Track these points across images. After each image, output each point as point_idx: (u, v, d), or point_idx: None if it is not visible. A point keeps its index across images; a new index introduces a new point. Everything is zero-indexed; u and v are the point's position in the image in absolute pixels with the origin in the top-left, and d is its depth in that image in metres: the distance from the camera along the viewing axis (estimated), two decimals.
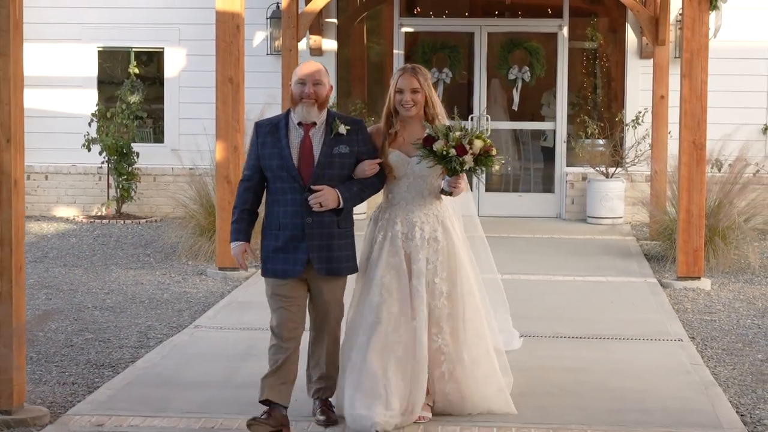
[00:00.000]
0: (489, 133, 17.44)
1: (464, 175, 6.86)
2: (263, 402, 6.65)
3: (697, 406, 7.39)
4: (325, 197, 6.57)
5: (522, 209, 17.65)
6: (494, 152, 6.78)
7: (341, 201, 6.64)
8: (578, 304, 10.86)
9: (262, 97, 15.32)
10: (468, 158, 6.64)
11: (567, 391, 7.72)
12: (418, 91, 6.87)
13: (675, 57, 15.97)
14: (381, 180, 6.91)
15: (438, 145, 6.64)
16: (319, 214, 6.60)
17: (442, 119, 6.93)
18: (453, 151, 6.61)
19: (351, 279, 6.92)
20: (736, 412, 7.29)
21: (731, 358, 8.81)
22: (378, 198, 7.09)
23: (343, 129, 6.67)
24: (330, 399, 6.92)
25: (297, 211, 6.62)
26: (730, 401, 7.55)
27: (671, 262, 12.76)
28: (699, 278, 11.80)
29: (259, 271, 7.71)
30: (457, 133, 6.64)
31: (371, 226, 7.07)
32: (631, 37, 17.50)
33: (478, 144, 6.65)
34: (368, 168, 6.77)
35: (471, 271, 7.12)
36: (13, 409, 6.87)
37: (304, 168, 6.62)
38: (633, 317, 10.23)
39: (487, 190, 17.70)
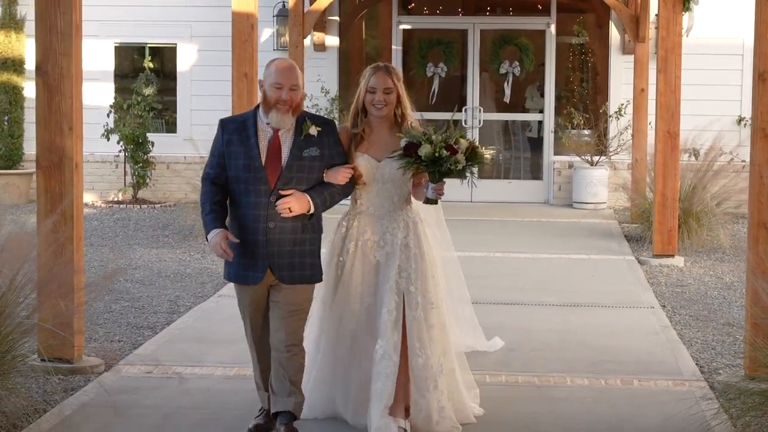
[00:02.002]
0: (482, 124, 18.64)
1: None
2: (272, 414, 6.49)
3: (663, 359, 8.53)
4: (294, 202, 6.17)
5: (512, 195, 18.79)
6: (480, 149, 6.50)
7: (311, 206, 6.24)
8: (562, 278, 11.99)
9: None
10: (460, 157, 6.33)
11: (551, 348, 8.86)
12: (391, 91, 6.53)
13: (654, 53, 17.02)
14: (351, 184, 6.51)
15: (425, 150, 6.29)
16: (282, 219, 6.19)
17: (411, 118, 6.63)
18: (445, 152, 6.29)
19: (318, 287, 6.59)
20: (696, 364, 8.41)
21: (696, 323, 9.93)
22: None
23: (314, 130, 6.27)
24: (296, 417, 6.40)
25: (259, 215, 6.21)
26: (692, 356, 8.67)
27: (649, 242, 13.87)
28: (673, 256, 12.94)
29: None
30: (441, 135, 6.33)
31: (340, 233, 6.69)
32: (614, 34, 18.65)
33: (463, 143, 6.37)
34: (341, 176, 6.36)
35: (440, 278, 6.83)
36: (74, 359, 7.95)
37: (271, 170, 6.21)
38: (611, 289, 11.37)
39: (479, 177, 18.80)
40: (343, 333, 6.62)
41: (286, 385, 6.30)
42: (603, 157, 18.06)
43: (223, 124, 6.35)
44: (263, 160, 6.21)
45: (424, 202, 6.57)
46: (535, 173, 19.17)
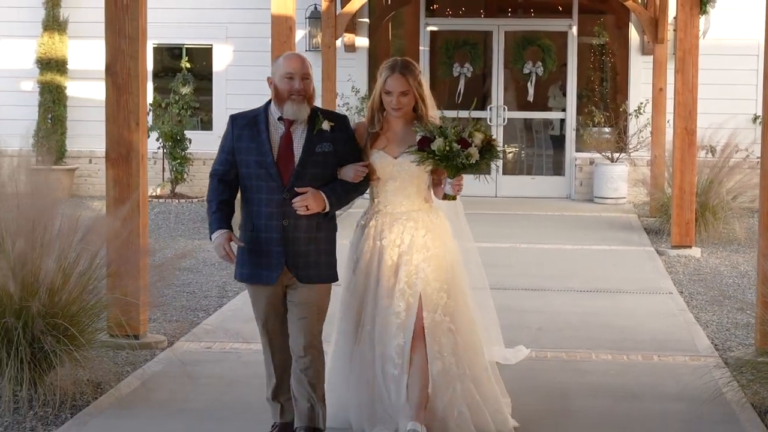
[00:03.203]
0: (506, 122, 19.35)
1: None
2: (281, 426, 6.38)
3: (680, 338, 9.23)
4: (311, 200, 5.98)
5: (535, 190, 19.50)
6: (496, 143, 6.34)
7: (327, 205, 6.06)
8: (586, 267, 12.70)
9: None
10: (473, 150, 6.15)
11: (577, 327, 9.57)
12: (407, 94, 6.30)
13: (672, 54, 17.68)
14: (366, 182, 6.33)
15: (438, 144, 6.13)
16: (297, 216, 6.00)
17: (433, 114, 6.44)
18: (456, 146, 6.13)
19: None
20: (711, 342, 9.11)
21: (712, 307, 10.61)
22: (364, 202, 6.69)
23: (326, 125, 6.05)
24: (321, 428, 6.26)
25: (273, 212, 6.02)
26: (707, 336, 9.36)
27: (667, 234, 14.54)
28: (690, 247, 13.61)
29: None
30: (455, 129, 6.19)
31: (358, 233, 6.52)
32: (633, 36, 19.34)
33: (478, 137, 6.21)
34: (354, 174, 6.19)
35: (464, 280, 6.63)
36: (140, 335, 8.68)
37: (284, 166, 6.02)
38: (632, 276, 12.07)
39: (503, 173, 19.53)
40: (360, 336, 6.40)
41: (306, 394, 6.13)
42: (623, 154, 18.76)
43: (234, 119, 6.17)
44: (275, 156, 6.02)
45: (442, 199, 6.42)
46: (558, 169, 19.89)
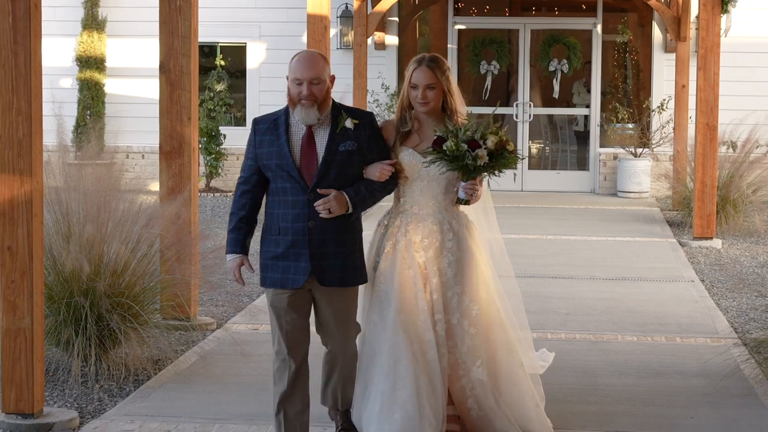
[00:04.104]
0: (531, 118, 19.85)
1: (482, 182, 6.27)
2: None
3: (701, 322, 9.72)
4: (334, 203, 5.82)
5: (560, 185, 19.99)
6: (511, 147, 6.11)
7: (350, 206, 5.89)
8: (610, 257, 13.18)
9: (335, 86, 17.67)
10: (482, 152, 5.97)
11: (603, 312, 10.07)
12: (434, 87, 6.17)
13: (694, 51, 18.15)
14: (394, 181, 6.17)
15: (448, 144, 5.99)
16: (323, 218, 5.84)
17: (461, 111, 6.30)
18: (464, 146, 5.97)
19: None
20: (731, 326, 9.60)
21: (732, 294, 11.09)
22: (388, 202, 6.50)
23: (350, 123, 5.91)
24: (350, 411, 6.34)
25: (298, 214, 5.85)
26: (727, 320, 9.84)
27: (689, 226, 15.02)
28: (712, 239, 14.08)
29: None
30: (468, 131, 6.03)
31: (380, 233, 6.38)
32: (657, 34, 19.81)
33: (492, 139, 6.02)
34: (379, 173, 6.02)
35: (491, 282, 6.45)
36: (191, 318, 9.21)
37: (306, 167, 5.87)
38: (655, 266, 12.55)
39: (529, 168, 20.04)
40: (384, 345, 6.19)
41: (334, 382, 6.18)
42: (646, 149, 19.24)
43: (255, 124, 6.05)
44: (296, 158, 5.86)
45: (455, 203, 6.26)
46: (582, 164, 20.38)
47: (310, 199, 5.84)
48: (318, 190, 5.85)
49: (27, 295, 6.59)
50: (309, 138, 5.89)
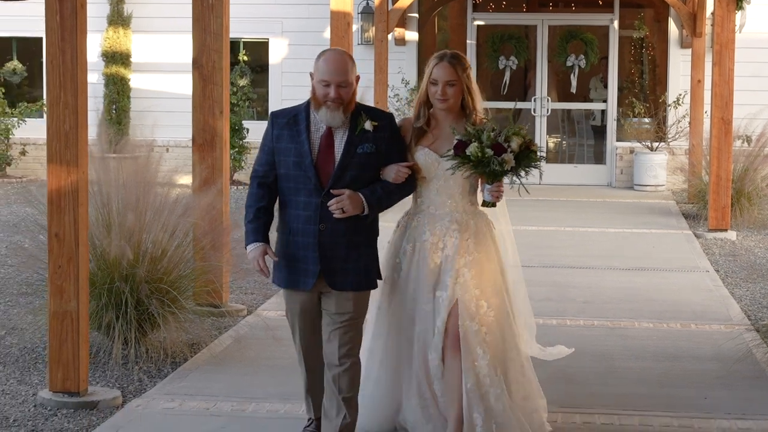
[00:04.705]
0: (549, 112, 20.17)
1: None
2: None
3: (715, 310, 10.04)
4: (348, 202, 5.69)
5: (577, 178, 20.31)
6: (535, 147, 5.99)
7: (366, 207, 5.76)
8: (627, 248, 13.50)
9: None
10: (508, 157, 5.82)
11: (620, 300, 10.39)
12: (454, 84, 6.04)
13: (710, 47, 18.45)
14: (412, 183, 6.03)
15: (472, 149, 5.84)
16: (335, 220, 5.70)
17: (480, 109, 6.16)
18: (489, 151, 5.82)
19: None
20: (744, 314, 9.92)
21: (746, 284, 11.39)
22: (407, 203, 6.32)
23: (369, 125, 5.77)
24: None
25: (310, 216, 5.73)
26: (741, 309, 10.15)
27: (704, 219, 15.31)
28: (726, 230, 14.38)
29: None
30: (491, 133, 5.87)
31: (398, 234, 6.25)
32: (673, 29, 20.11)
33: (516, 141, 5.86)
34: (395, 175, 5.88)
35: (506, 285, 6.33)
36: (222, 304, 9.56)
37: (323, 168, 5.73)
38: (670, 256, 12.86)
39: (547, 162, 20.35)
40: (402, 341, 6.18)
41: (335, 403, 5.86)
42: (662, 143, 19.54)
43: (274, 117, 5.92)
44: (314, 157, 5.73)
45: (481, 206, 6.14)
46: (599, 158, 20.70)
47: (323, 201, 5.70)
48: (331, 191, 5.71)
49: (73, 279, 6.95)
50: (328, 138, 5.75)
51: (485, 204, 6.05)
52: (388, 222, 6.26)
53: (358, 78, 5.80)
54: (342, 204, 5.68)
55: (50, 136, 6.91)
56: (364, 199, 5.74)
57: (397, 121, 6.11)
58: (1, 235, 13.97)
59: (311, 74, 5.77)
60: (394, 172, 5.88)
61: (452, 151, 5.95)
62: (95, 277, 7.88)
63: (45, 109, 20.07)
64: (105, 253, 7.97)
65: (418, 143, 6.11)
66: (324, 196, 5.71)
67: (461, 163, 5.90)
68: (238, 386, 7.48)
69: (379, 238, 6.01)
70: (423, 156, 6.07)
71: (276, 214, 5.96)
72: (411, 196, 6.20)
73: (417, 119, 6.14)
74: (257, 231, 5.85)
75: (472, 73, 6.27)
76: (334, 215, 5.69)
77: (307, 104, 5.82)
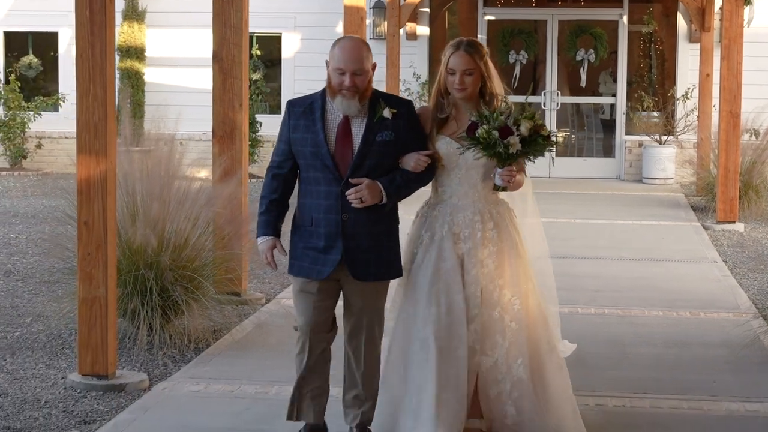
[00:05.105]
0: (559, 106, 20.36)
1: (523, 168, 6.03)
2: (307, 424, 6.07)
3: (723, 298, 10.26)
4: (366, 192, 5.61)
5: (586, 171, 20.55)
6: (545, 132, 5.86)
7: (384, 196, 5.67)
8: (636, 239, 13.73)
9: None
10: (513, 140, 5.72)
11: (630, 289, 10.61)
12: (472, 73, 5.87)
13: (718, 42, 18.63)
14: (431, 171, 5.90)
15: (480, 131, 5.75)
16: (357, 210, 5.64)
17: (500, 96, 5.98)
18: (495, 134, 5.73)
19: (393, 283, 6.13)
20: (752, 302, 10.13)
21: (754, 274, 11.60)
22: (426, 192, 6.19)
23: (388, 113, 5.65)
24: (369, 428, 5.98)
25: (331, 205, 5.64)
26: (749, 298, 10.35)
27: (712, 211, 15.50)
28: (734, 222, 14.59)
29: None
30: (501, 116, 5.77)
31: (417, 224, 6.11)
32: (681, 24, 20.32)
33: (526, 125, 5.77)
34: (415, 163, 5.78)
35: (532, 276, 6.20)
36: (241, 292, 9.77)
37: (341, 157, 5.65)
38: (679, 248, 13.08)
39: (556, 155, 20.54)
40: (417, 337, 5.93)
41: (356, 390, 5.94)
42: (671, 137, 19.77)
43: (290, 106, 5.81)
44: (332, 146, 5.65)
45: (493, 190, 6.00)
46: (608, 152, 20.93)
47: (343, 191, 5.63)
48: (350, 180, 5.63)
49: (102, 266, 7.18)
50: (345, 127, 5.65)
51: (496, 188, 5.96)
52: (408, 214, 6.25)
53: (374, 66, 5.70)
54: (360, 194, 5.61)
55: (80, 127, 7.13)
56: (382, 188, 5.66)
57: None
58: (20, 226, 14.21)
59: (327, 62, 5.67)
60: (413, 161, 5.78)
61: (465, 132, 5.88)
62: (121, 265, 8.10)
63: (61, 103, 20.53)
64: (130, 242, 8.20)
65: (440, 131, 5.97)
66: (344, 185, 5.64)
67: (471, 145, 5.82)
68: (260, 370, 7.69)
69: (399, 226, 5.99)
70: (445, 145, 5.95)
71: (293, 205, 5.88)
72: (431, 186, 6.09)
73: (440, 109, 5.98)
74: (268, 224, 5.81)
75: (487, 59, 6.02)
76: (351, 204, 5.62)
77: (323, 92, 5.74)
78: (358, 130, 5.66)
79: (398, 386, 5.92)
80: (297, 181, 5.86)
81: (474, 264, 5.95)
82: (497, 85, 5.99)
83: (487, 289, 5.95)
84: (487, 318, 5.95)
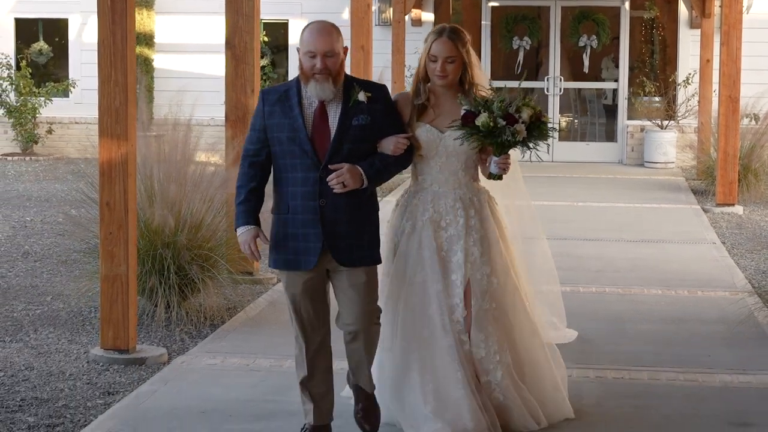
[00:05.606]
0: (561, 92, 20.65)
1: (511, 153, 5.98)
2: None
3: (720, 278, 10.57)
4: (348, 176, 5.57)
5: (589, 156, 20.84)
6: (546, 119, 5.89)
7: (365, 180, 5.65)
8: (637, 221, 14.03)
9: (374, 62, 18.54)
10: (520, 127, 5.72)
11: (630, 269, 10.92)
12: (454, 60, 5.89)
13: (719, 28, 18.85)
14: (409, 155, 5.89)
15: (482, 119, 5.73)
16: (335, 195, 5.59)
17: (483, 83, 6.06)
18: (502, 121, 5.72)
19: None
20: (749, 282, 10.44)
21: (751, 255, 11.90)
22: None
23: (363, 96, 5.64)
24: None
25: (309, 191, 5.60)
26: (746, 277, 10.66)
27: (712, 194, 15.81)
28: (733, 205, 14.89)
29: None
30: (502, 103, 5.76)
31: (398, 213, 6.16)
32: (682, 10, 20.60)
33: (526, 112, 5.77)
34: (394, 146, 5.75)
35: (516, 261, 6.28)
36: (254, 271, 10.08)
37: (319, 142, 5.62)
38: (679, 229, 13.38)
39: (559, 139, 20.88)
40: (403, 327, 6.04)
41: (356, 363, 5.96)
42: (672, 122, 20.03)
43: (264, 95, 5.76)
44: (309, 131, 5.61)
45: (488, 178, 6.04)
46: (610, 136, 21.23)
47: (321, 176, 5.59)
48: (329, 165, 5.60)
49: (123, 244, 7.50)
50: (321, 112, 5.63)
51: (491, 176, 5.97)
52: (388, 203, 6.35)
53: (346, 50, 5.67)
54: (342, 178, 5.57)
55: (101, 111, 7.45)
56: (363, 172, 5.64)
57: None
58: (34, 209, 14.52)
59: (298, 49, 5.66)
60: (393, 144, 5.77)
61: (459, 122, 5.86)
62: (139, 245, 8.40)
63: (71, 88, 20.83)
64: (148, 222, 8.53)
65: (419, 119, 5.99)
66: (322, 170, 5.60)
67: (469, 134, 5.81)
68: (274, 345, 8.01)
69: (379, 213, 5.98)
70: (425, 133, 5.97)
71: (270, 194, 5.85)
72: (411, 174, 6.16)
73: (416, 96, 6.00)
74: (248, 213, 5.73)
75: (469, 47, 6.06)
76: (333, 190, 5.59)
77: (298, 80, 5.70)
78: (334, 115, 5.64)
79: (386, 383, 6.09)
80: (272, 169, 5.79)
81: (455, 251, 6.00)
82: (477, 74, 6.05)
83: (475, 278, 6.01)
84: (478, 309, 6.01)
